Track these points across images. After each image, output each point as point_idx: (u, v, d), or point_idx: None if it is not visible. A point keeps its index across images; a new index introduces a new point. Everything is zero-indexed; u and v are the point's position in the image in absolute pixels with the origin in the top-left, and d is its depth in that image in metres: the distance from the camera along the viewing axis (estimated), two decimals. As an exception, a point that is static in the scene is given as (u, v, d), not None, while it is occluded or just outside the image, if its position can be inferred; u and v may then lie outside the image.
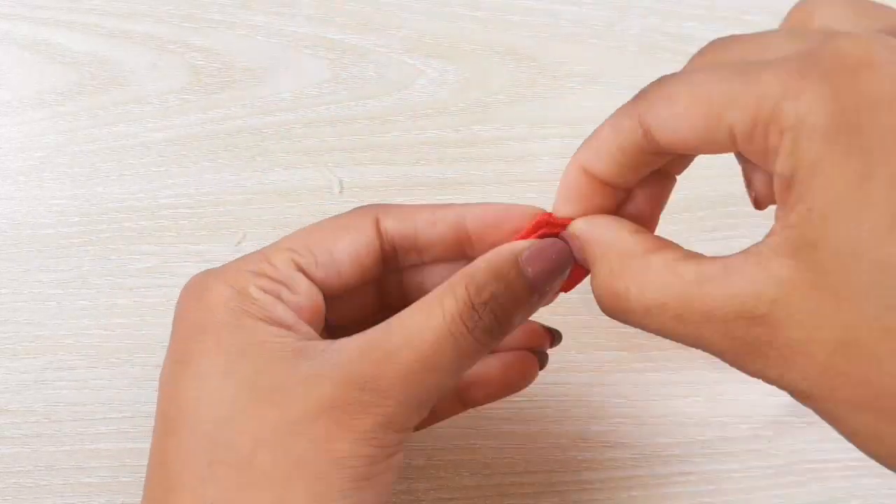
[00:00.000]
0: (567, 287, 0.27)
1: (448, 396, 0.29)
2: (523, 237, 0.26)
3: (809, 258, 0.19)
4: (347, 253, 0.26)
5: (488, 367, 0.29)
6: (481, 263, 0.25)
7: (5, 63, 0.40)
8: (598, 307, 0.25)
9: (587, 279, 0.26)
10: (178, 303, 0.26)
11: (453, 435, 0.38)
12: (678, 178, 0.27)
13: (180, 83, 0.41)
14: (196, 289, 0.25)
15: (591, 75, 0.44)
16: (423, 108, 0.42)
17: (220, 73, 0.41)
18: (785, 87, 0.20)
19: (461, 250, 0.28)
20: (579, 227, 0.25)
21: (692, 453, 0.40)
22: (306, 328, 0.25)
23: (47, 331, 0.37)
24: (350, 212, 0.27)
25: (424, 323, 0.24)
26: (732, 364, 0.22)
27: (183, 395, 0.24)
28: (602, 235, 0.24)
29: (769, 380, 0.21)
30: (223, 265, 0.26)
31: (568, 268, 0.26)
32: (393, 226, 0.27)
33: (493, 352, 0.29)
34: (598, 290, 0.24)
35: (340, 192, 0.40)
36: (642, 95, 0.23)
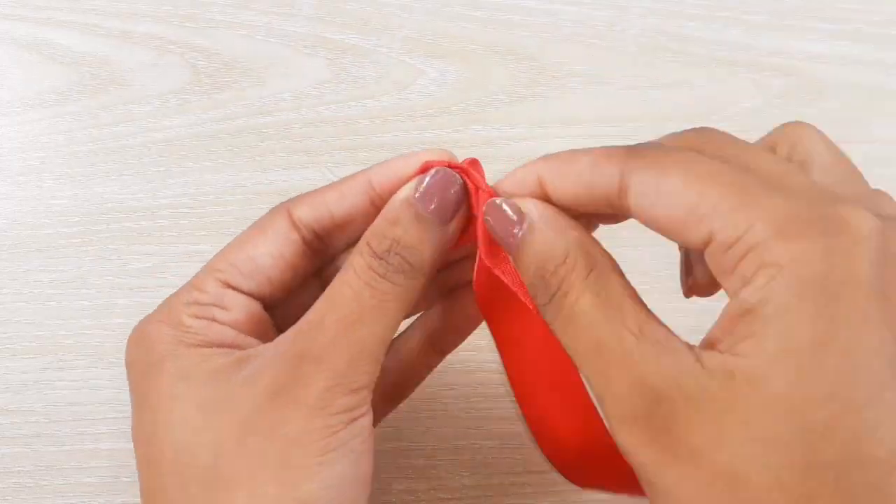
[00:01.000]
0: (458, 244, 0.27)
1: (420, 350, 0.29)
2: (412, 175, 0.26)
3: (736, 388, 0.20)
4: (270, 255, 0.26)
5: (444, 309, 0.29)
6: (379, 218, 0.25)
7: (5, 63, 0.40)
8: (511, 258, 0.25)
9: None
10: (125, 356, 0.26)
11: (453, 435, 0.38)
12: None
13: (180, 83, 0.41)
14: (137, 336, 0.26)
15: (591, 75, 0.44)
16: (423, 108, 0.42)
17: (220, 73, 0.41)
18: (785, 224, 0.20)
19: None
20: (539, 210, 0.24)
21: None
22: (249, 340, 0.26)
23: (47, 331, 0.37)
24: (264, 216, 0.28)
25: (340, 285, 0.25)
26: (612, 422, 0.22)
27: (145, 433, 0.25)
28: (569, 230, 0.24)
29: (635, 460, 0.21)
30: (159, 305, 0.27)
31: (462, 193, 0.26)
32: (306, 213, 0.27)
33: (441, 291, 0.29)
34: (547, 280, 0.23)
35: (340, 192, 0.40)
36: (635, 152, 0.23)
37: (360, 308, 0.24)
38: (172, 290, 0.37)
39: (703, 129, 0.24)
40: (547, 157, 0.25)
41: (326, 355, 0.24)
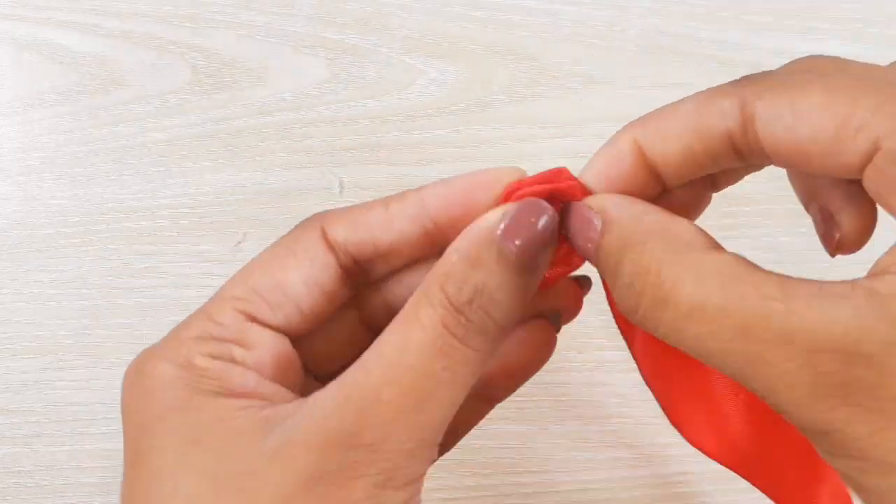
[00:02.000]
0: (552, 279, 0.22)
1: (470, 406, 0.23)
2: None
3: None
4: (303, 282, 0.22)
5: (502, 352, 0.23)
6: (453, 255, 0.20)
7: (5, 63, 0.40)
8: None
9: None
10: (122, 397, 0.22)
11: (453, 435, 0.38)
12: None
13: (180, 83, 0.41)
14: (136, 375, 0.21)
15: (591, 75, 0.44)
16: (423, 108, 0.42)
17: (220, 73, 0.41)
18: None
19: (433, 243, 0.23)
20: (608, 203, 0.21)
21: (692, 453, 0.40)
22: (274, 388, 0.21)
23: (47, 331, 0.37)
24: (291, 232, 0.23)
25: (403, 347, 0.19)
26: (793, 406, 0.17)
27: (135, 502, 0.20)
28: (647, 214, 0.20)
29: (838, 438, 0.17)
30: (163, 338, 0.22)
31: (554, 232, 0.21)
32: (343, 235, 0.22)
33: None
34: (629, 271, 0.19)
35: (340, 192, 0.40)
36: (751, 79, 0.20)
37: (426, 382, 0.19)
38: (172, 290, 0.38)
39: (812, 56, 0.21)
40: (639, 120, 0.21)
41: (382, 443, 0.19)
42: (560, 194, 0.22)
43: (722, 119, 0.20)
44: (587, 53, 0.44)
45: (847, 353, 0.16)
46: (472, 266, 0.20)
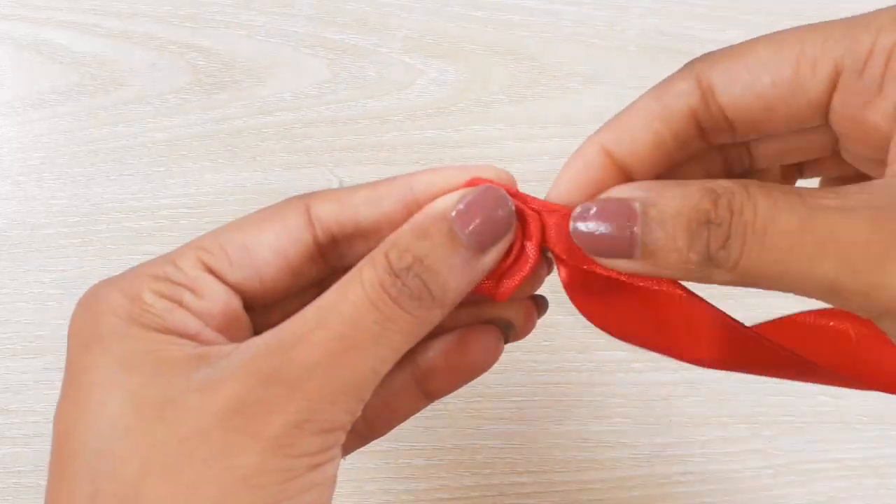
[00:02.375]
0: (510, 289, 0.22)
1: (406, 390, 0.25)
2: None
3: None
4: (270, 249, 0.22)
5: (446, 348, 0.24)
6: (405, 226, 0.21)
7: (5, 63, 0.40)
8: (641, 256, 0.22)
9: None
10: (71, 318, 0.22)
11: (453, 435, 0.38)
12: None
13: (180, 83, 0.41)
14: (88, 299, 0.22)
15: (591, 75, 0.44)
16: (423, 108, 0.42)
17: (220, 73, 0.41)
18: None
19: None
20: (634, 189, 0.20)
21: (692, 453, 0.40)
22: (215, 336, 0.22)
23: (47, 331, 0.37)
24: (278, 203, 0.23)
25: (340, 299, 0.20)
26: (866, 272, 0.18)
27: (67, 420, 0.21)
28: (684, 185, 0.19)
29: None
30: (124, 271, 0.23)
31: (512, 221, 0.21)
32: (328, 211, 0.23)
33: (450, 328, 0.25)
34: (706, 232, 0.19)
35: (340, 192, 0.40)
36: (699, 58, 0.20)
37: (356, 331, 0.20)
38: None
39: None
40: (603, 127, 0.22)
41: (303, 382, 0.19)
42: (523, 202, 0.22)
43: (682, 98, 0.20)
44: (587, 53, 0.44)
45: None
46: (419, 237, 0.20)
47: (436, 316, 0.21)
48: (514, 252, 0.22)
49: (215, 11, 0.42)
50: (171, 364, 0.20)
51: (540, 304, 0.25)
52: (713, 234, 0.19)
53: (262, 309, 0.23)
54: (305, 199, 0.23)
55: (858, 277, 0.18)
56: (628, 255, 0.20)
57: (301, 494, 0.19)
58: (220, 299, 0.22)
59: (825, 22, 0.20)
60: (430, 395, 0.25)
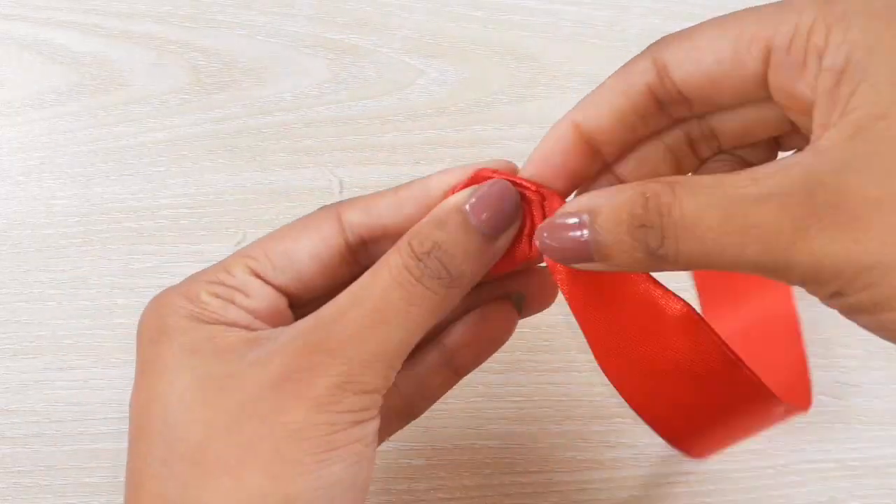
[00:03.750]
0: (514, 262, 0.25)
1: (437, 370, 0.28)
2: (469, 183, 0.25)
3: (879, 130, 0.19)
4: (307, 254, 0.25)
5: (467, 326, 0.28)
6: (426, 218, 0.24)
7: (5, 63, 0.40)
8: (599, 261, 0.24)
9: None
10: (139, 321, 0.25)
11: (453, 435, 0.38)
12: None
13: (180, 83, 0.41)
14: (154, 304, 0.25)
15: (591, 75, 0.44)
16: (423, 108, 0.42)
17: (220, 73, 0.41)
18: None
19: None
20: (583, 201, 0.23)
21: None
22: (264, 327, 0.25)
23: (47, 331, 0.37)
24: (312, 213, 0.27)
25: (371, 281, 0.23)
26: (785, 252, 0.20)
27: (142, 400, 0.24)
28: (622, 190, 0.22)
29: (831, 257, 0.20)
30: (183, 280, 0.26)
31: (516, 212, 0.25)
32: (357, 218, 0.26)
33: (468, 308, 0.28)
34: (637, 233, 0.21)
35: (340, 192, 0.40)
36: (657, 41, 0.23)
37: (385, 307, 0.23)
38: (172, 290, 0.38)
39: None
40: (574, 107, 0.25)
41: (342, 349, 0.22)
42: (527, 190, 0.25)
43: (641, 76, 0.23)
44: (587, 53, 0.44)
45: (809, 192, 0.20)
46: (437, 227, 0.24)
47: (455, 295, 0.24)
48: (524, 234, 0.25)
49: (215, 11, 0.42)
50: (228, 347, 0.23)
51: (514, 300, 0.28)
52: (650, 235, 0.21)
53: (304, 306, 0.26)
54: (337, 208, 0.26)
55: (776, 258, 0.20)
56: (588, 259, 0.22)
57: (346, 446, 0.22)
58: (266, 298, 0.25)
59: (762, 5, 0.22)
60: (458, 372, 0.28)
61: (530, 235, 0.25)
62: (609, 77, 0.24)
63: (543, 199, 0.25)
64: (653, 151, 0.25)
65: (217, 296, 0.25)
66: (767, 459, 0.40)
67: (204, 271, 0.26)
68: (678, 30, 0.23)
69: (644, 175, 0.26)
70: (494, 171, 0.25)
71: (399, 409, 0.28)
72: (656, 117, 0.24)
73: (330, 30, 0.43)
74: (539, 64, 0.44)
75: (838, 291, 0.20)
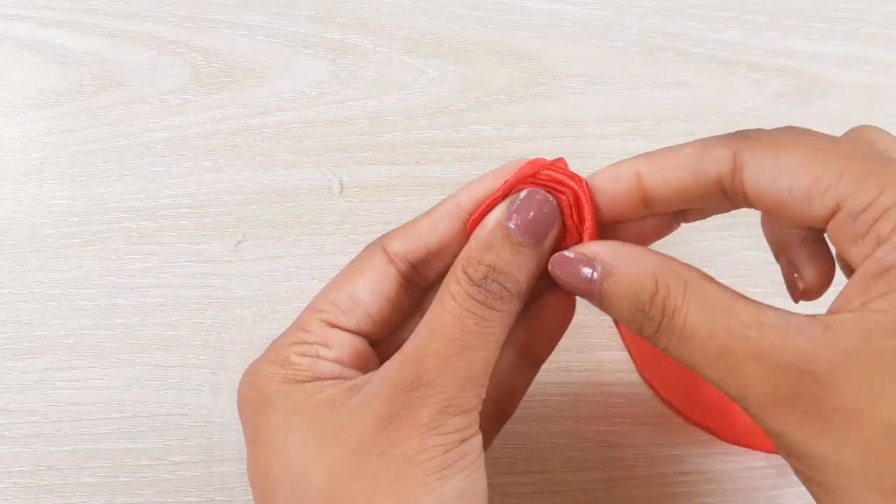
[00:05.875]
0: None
1: (516, 366, 0.29)
2: (494, 202, 0.26)
3: (888, 348, 0.20)
4: (369, 292, 0.27)
5: (532, 319, 0.29)
6: (472, 242, 0.26)
7: (5, 63, 0.40)
8: (597, 308, 0.25)
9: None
10: (238, 396, 0.27)
11: (453, 435, 0.38)
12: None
13: (180, 83, 0.41)
14: (248, 377, 0.27)
15: (591, 75, 0.44)
16: (423, 108, 0.42)
17: (220, 73, 0.41)
18: None
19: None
20: (601, 251, 0.25)
21: (692, 453, 0.40)
22: (353, 373, 0.27)
23: (47, 331, 0.37)
24: (360, 254, 0.28)
25: (441, 313, 0.25)
26: (756, 409, 0.22)
27: (260, 466, 0.25)
28: (643, 257, 0.24)
29: (790, 436, 0.21)
30: (268, 347, 0.27)
31: (556, 214, 0.26)
32: (400, 247, 0.27)
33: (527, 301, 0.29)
34: (643, 310, 0.23)
35: (340, 192, 0.40)
36: (744, 134, 0.24)
37: (463, 335, 0.24)
38: (172, 290, 0.38)
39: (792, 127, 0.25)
40: (646, 154, 0.25)
41: (437, 380, 0.24)
42: (559, 190, 0.26)
43: (716, 164, 0.24)
44: (587, 53, 0.44)
45: (799, 370, 0.21)
46: (485, 250, 0.25)
47: (519, 304, 0.26)
48: (566, 225, 0.26)
49: (215, 11, 0.42)
50: (329, 399, 0.25)
51: None
52: (647, 323, 0.23)
53: (383, 341, 0.28)
54: (381, 242, 0.28)
55: (749, 409, 0.22)
56: (591, 299, 0.25)
57: (457, 462, 0.24)
58: (346, 344, 0.27)
59: (856, 150, 0.22)
60: (535, 363, 0.30)
61: (572, 222, 0.26)
62: (687, 146, 0.25)
63: (575, 194, 0.26)
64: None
65: (304, 354, 0.26)
66: (767, 459, 0.40)
67: (283, 336, 0.27)
68: (769, 129, 0.24)
69: (706, 214, 0.27)
70: (522, 176, 0.26)
71: (493, 415, 0.29)
72: (719, 202, 0.25)
73: (330, 30, 0.43)
74: (539, 64, 0.44)
75: (791, 458, 0.22)
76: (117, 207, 0.39)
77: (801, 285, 0.26)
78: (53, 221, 0.38)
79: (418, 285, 0.28)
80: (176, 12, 0.42)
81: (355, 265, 0.28)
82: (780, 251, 0.26)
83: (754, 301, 0.22)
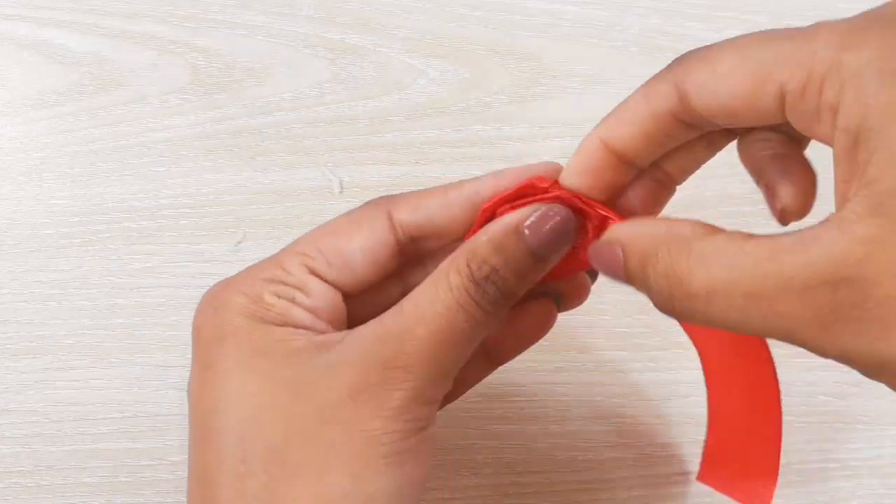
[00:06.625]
0: (563, 274, 0.27)
1: (476, 361, 0.29)
2: (508, 197, 0.26)
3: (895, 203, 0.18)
4: (361, 251, 0.26)
5: (512, 321, 0.28)
6: (483, 236, 0.25)
7: (5, 63, 0.40)
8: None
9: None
10: (195, 316, 0.26)
11: (453, 435, 0.38)
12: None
13: (180, 83, 0.41)
14: (212, 300, 0.26)
15: (591, 75, 0.44)
16: (423, 108, 0.42)
17: (220, 73, 0.41)
18: (843, 40, 0.19)
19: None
20: (620, 233, 0.24)
21: (692, 453, 0.40)
22: (324, 327, 0.26)
23: (47, 331, 0.37)
24: (360, 207, 0.27)
25: (434, 299, 0.24)
26: (811, 342, 0.20)
27: (208, 400, 0.25)
28: (652, 228, 0.23)
29: (855, 352, 0.19)
30: (236, 274, 0.26)
31: (572, 236, 0.25)
32: (407, 217, 0.27)
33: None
34: (655, 280, 0.22)
35: (340, 192, 0.40)
36: (679, 61, 0.23)
37: (450, 329, 0.24)
38: (172, 290, 0.38)
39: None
40: (601, 121, 0.25)
41: (414, 367, 0.24)
42: (584, 205, 0.26)
43: (664, 101, 0.23)
44: (587, 53, 0.44)
45: (831, 282, 0.19)
46: (496, 250, 0.25)
47: (507, 309, 0.25)
48: (575, 248, 0.26)
49: (215, 11, 0.42)
50: (296, 351, 0.24)
51: (592, 275, 0.29)
52: (654, 293, 0.22)
53: (355, 298, 0.27)
54: (387, 205, 0.27)
55: (804, 343, 0.20)
56: (622, 280, 0.24)
57: (413, 449, 0.24)
58: (324, 296, 0.26)
59: (782, 31, 0.22)
60: (497, 363, 0.29)
61: (581, 249, 0.26)
62: (631, 96, 0.24)
63: (604, 220, 0.25)
64: (689, 146, 0.26)
65: (279, 295, 0.25)
66: (767, 459, 0.40)
67: (259, 267, 0.26)
68: (700, 49, 0.23)
69: (689, 165, 0.26)
70: (546, 180, 0.26)
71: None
72: (684, 131, 0.24)
73: (330, 30, 0.43)
74: (539, 64, 0.44)
75: (869, 375, 0.20)
76: (117, 207, 0.39)
77: (778, 205, 0.24)
78: (53, 221, 0.38)
79: (408, 255, 0.28)
80: (176, 12, 0.42)
81: (353, 219, 0.27)
82: (757, 176, 0.25)
83: (764, 235, 0.21)
